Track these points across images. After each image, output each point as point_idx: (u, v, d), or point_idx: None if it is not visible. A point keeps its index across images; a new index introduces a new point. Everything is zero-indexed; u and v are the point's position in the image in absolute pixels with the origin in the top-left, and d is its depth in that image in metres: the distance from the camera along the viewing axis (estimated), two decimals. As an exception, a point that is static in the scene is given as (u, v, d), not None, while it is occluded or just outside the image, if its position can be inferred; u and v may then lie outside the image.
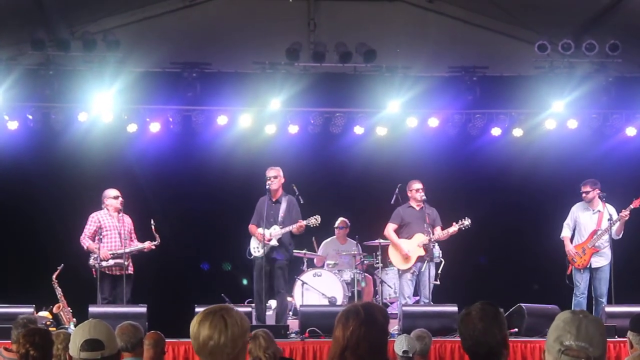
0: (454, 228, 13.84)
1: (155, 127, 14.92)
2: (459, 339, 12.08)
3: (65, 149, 15.03)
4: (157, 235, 13.56)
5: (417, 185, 13.98)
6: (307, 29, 15.86)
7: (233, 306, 4.23)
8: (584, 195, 13.72)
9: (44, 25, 14.33)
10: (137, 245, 13.59)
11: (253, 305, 13.45)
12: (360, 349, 4.28)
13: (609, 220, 13.41)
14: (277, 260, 13.47)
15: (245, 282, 14.11)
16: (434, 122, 15.17)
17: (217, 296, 14.02)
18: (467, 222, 13.81)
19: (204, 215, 15.74)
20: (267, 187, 13.41)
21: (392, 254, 14.12)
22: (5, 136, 14.75)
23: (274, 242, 13.39)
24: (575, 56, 14.60)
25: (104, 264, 13.22)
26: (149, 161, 15.51)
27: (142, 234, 13.76)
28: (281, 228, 13.41)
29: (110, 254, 13.31)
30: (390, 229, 14.06)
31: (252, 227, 13.64)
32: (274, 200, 13.55)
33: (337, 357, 4.33)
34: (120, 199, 13.57)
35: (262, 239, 13.29)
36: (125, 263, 13.28)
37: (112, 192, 13.62)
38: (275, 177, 13.45)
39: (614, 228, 13.47)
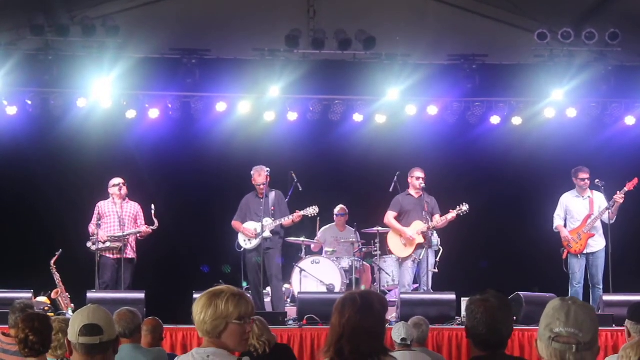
0: (452, 214, 13.86)
1: (154, 113, 14.90)
2: (457, 327, 12.11)
3: (64, 135, 15.04)
4: (155, 220, 13.64)
5: (418, 173, 13.99)
6: (307, 16, 15.82)
7: (234, 290, 4.32)
8: (583, 182, 13.72)
9: (43, 11, 14.30)
10: (134, 229, 13.66)
11: (250, 293, 13.51)
12: (356, 337, 4.28)
13: (607, 208, 13.45)
14: (270, 249, 13.70)
15: (228, 270, 14.14)
16: (433, 110, 15.15)
17: (216, 282, 14.02)
18: (465, 207, 13.81)
19: (204, 201, 15.74)
20: (258, 186, 13.56)
21: (392, 242, 14.12)
22: (4, 121, 14.74)
23: (267, 234, 13.57)
24: (575, 45, 14.58)
25: (100, 246, 13.32)
26: (148, 147, 15.50)
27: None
28: (273, 220, 13.60)
29: (107, 237, 13.41)
30: (390, 216, 14.08)
31: (236, 224, 13.90)
32: (261, 196, 13.69)
33: (334, 345, 4.34)
34: (121, 186, 13.65)
35: (252, 234, 13.61)
36: (118, 245, 13.36)
37: (112, 181, 13.82)
38: (267, 181, 13.62)
39: (607, 213, 13.52)
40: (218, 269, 15.46)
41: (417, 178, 13.98)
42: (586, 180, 13.71)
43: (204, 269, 15.91)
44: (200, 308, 4.26)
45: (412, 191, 14.07)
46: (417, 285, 14.02)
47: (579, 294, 13.55)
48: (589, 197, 13.77)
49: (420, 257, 13.82)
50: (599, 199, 13.65)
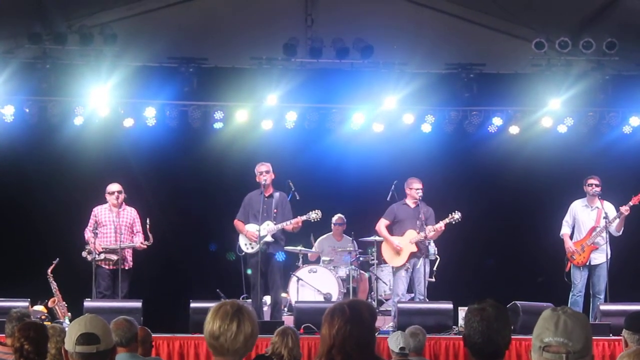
0: (439, 224, 13.79)
1: (151, 121, 14.89)
2: (454, 336, 12.10)
3: (62, 143, 15.01)
4: (150, 235, 13.54)
5: (416, 184, 13.94)
6: (305, 25, 15.85)
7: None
8: (591, 187, 13.62)
9: (41, 19, 14.31)
10: (129, 242, 13.59)
11: (248, 301, 13.43)
12: (346, 347, 4.29)
13: (604, 218, 13.42)
14: (274, 255, 13.43)
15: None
16: (430, 118, 15.16)
17: (213, 292, 14.01)
18: (457, 215, 13.72)
19: (201, 209, 15.72)
20: (263, 182, 13.34)
21: (385, 251, 14.12)
22: (2, 129, 14.73)
23: (268, 238, 13.35)
24: (572, 54, 14.61)
25: (96, 257, 13.26)
26: (145, 156, 15.48)
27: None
28: (275, 224, 13.37)
29: (102, 248, 13.34)
30: (382, 224, 14.04)
31: (239, 224, 13.57)
32: (266, 195, 13.50)
33: (325, 356, 4.34)
34: (117, 194, 13.56)
35: (256, 237, 13.27)
36: (115, 258, 13.31)
37: (109, 188, 13.68)
38: (267, 172, 13.39)
39: (614, 224, 13.46)
40: (213, 272, 15.42)
41: (415, 189, 13.93)
42: (594, 187, 13.60)
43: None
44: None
45: (408, 201, 14.03)
46: (412, 294, 13.99)
47: (578, 304, 13.52)
48: (597, 207, 13.68)
49: (417, 267, 13.80)
50: (608, 210, 13.55)
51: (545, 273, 14.94)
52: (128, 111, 14.82)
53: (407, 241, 13.83)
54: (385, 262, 14.53)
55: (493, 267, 15.74)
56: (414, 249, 13.77)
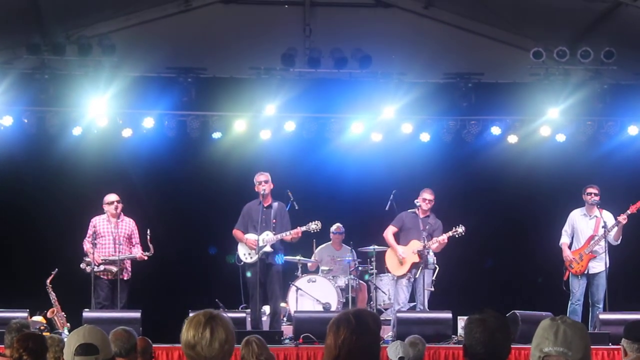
0: (442, 237, 13.85)
1: (150, 131, 14.90)
2: (453, 345, 12.09)
3: (61, 153, 15.01)
4: (151, 246, 13.53)
5: (424, 195, 13.99)
6: (303, 35, 15.88)
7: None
8: (590, 197, 13.60)
9: (39, 29, 14.34)
10: (129, 253, 13.56)
11: (247, 311, 13.42)
12: (352, 357, 4.27)
13: (602, 227, 13.41)
14: (273, 265, 13.38)
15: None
16: (429, 128, 15.17)
17: (212, 301, 13.99)
18: (460, 229, 13.82)
19: (200, 219, 15.71)
20: (262, 192, 13.31)
21: (389, 259, 14.15)
22: (0, 140, 14.73)
23: (267, 248, 13.33)
24: (571, 63, 14.62)
25: (95, 268, 13.22)
26: (143, 166, 15.48)
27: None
28: (274, 234, 13.34)
29: (101, 260, 13.31)
30: (389, 231, 14.13)
31: (238, 233, 13.55)
32: (265, 205, 13.47)
33: (330, 366, 4.33)
34: (116, 204, 13.54)
35: (255, 245, 13.24)
36: (114, 269, 13.27)
37: (107, 198, 13.63)
38: (266, 182, 13.37)
39: (612, 233, 13.46)
40: (212, 282, 15.39)
41: (423, 200, 13.98)
42: (592, 195, 13.60)
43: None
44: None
45: (418, 211, 14.07)
46: (414, 303, 14.00)
47: (577, 312, 13.52)
48: (595, 216, 13.67)
49: (416, 276, 13.83)
50: (607, 219, 13.53)
51: (545, 282, 14.93)
52: (126, 121, 14.82)
53: (410, 251, 13.86)
54: (385, 272, 14.55)
55: (491, 275, 15.71)
56: (417, 259, 13.82)
